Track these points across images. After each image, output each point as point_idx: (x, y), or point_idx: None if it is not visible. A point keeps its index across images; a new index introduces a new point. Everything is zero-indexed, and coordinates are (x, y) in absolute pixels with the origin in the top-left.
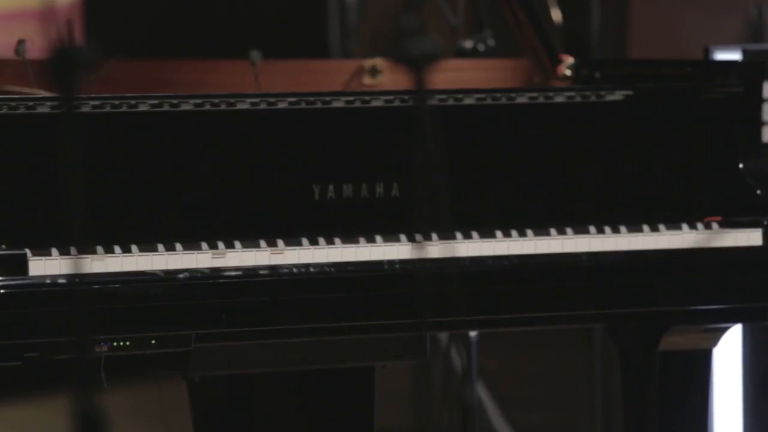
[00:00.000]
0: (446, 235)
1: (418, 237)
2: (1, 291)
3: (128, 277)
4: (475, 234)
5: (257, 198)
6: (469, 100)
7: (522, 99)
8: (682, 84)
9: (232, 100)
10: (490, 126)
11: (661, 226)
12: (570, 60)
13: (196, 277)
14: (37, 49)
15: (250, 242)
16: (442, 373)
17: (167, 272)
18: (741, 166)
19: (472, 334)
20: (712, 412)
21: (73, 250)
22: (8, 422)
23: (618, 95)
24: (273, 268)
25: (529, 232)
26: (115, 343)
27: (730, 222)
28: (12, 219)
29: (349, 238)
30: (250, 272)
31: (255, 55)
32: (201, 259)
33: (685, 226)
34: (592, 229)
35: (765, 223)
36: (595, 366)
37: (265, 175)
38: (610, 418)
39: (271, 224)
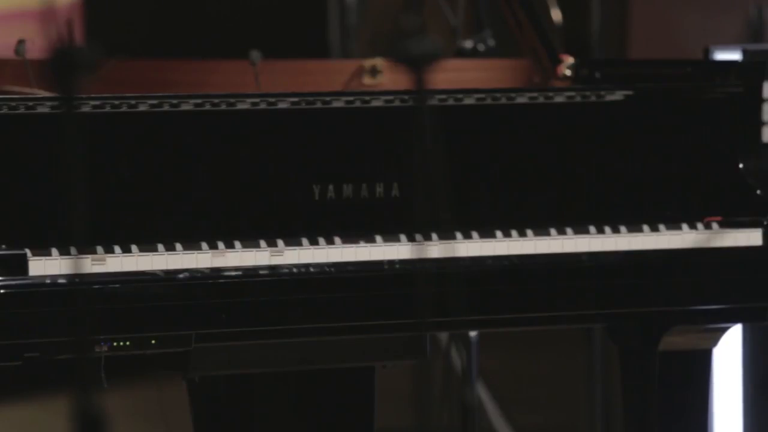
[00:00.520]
0: (446, 235)
1: (418, 237)
2: (1, 291)
3: (128, 277)
4: (475, 234)
5: (257, 198)
6: (469, 100)
7: (522, 99)
8: (682, 84)
9: (232, 100)
10: (490, 126)
11: (661, 226)
12: (570, 60)
13: (196, 277)
14: (37, 49)
15: (250, 242)
16: (442, 373)
17: (167, 272)
18: (741, 166)
19: (472, 334)
20: (712, 412)
21: (73, 250)
22: (8, 422)
23: (618, 95)
24: (273, 268)
25: (529, 232)
26: (115, 343)
27: (730, 222)
28: (12, 219)
29: (349, 238)
30: (250, 272)
31: (255, 55)
32: (201, 259)
33: (685, 226)
34: (592, 229)
35: (765, 223)
36: (595, 366)
37: (265, 175)
38: (610, 418)
39: (271, 224)
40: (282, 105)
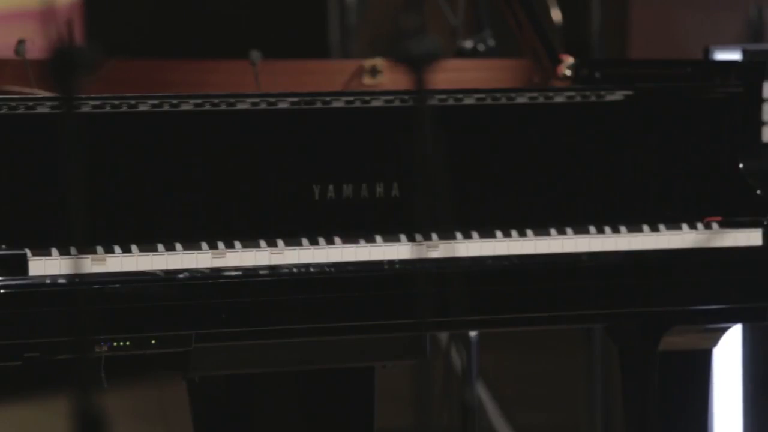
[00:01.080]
0: (446, 235)
1: (418, 237)
2: (1, 291)
3: (128, 277)
4: (475, 234)
5: (257, 198)
6: (469, 100)
7: (522, 99)
8: (682, 84)
9: (232, 100)
10: (490, 126)
11: (661, 226)
12: (570, 60)
13: (196, 277)
14: (37, 49)
15: (250, 242)
16: (442, 373)
17: (167, 272)
18: (741, 166)
19: (472, 334)
20: (712, 412)
21: (73, 250)
22: (8, 422)
23: (618, 95)
24: (273, 268)
25: (529, 232)
26: (115, 343)
27: (730, 222)
28: (12, 219)
29: (349, 238)
30: (250, 272)
31: (255, 55)
32: (201, 259)
33: (685, 226)
34: (592, 229)
35: (765, 223)
36: (595, 366)
37: (265, 175)
38: (610, 418)
39: (271, 224)
40: (282, 105)
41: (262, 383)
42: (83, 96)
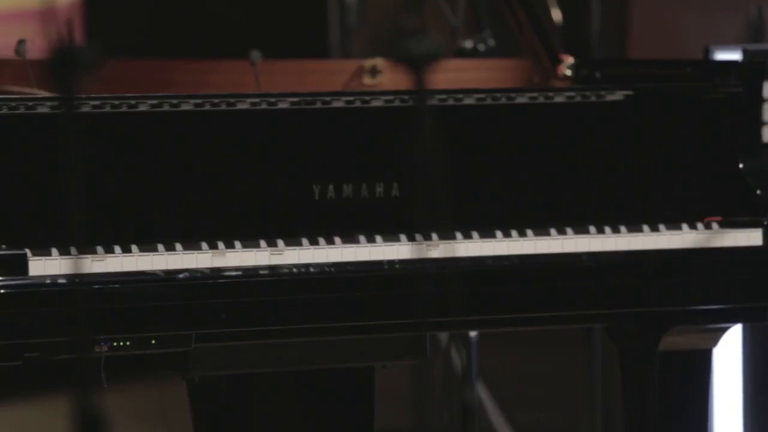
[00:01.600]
0: (446, 235)
1: (418, 237)
2: (1, 291)
3: (128, 277)
4: (475, 234)
5: (257, 198)
6: (469, 100)
7: (522, 99)
8: (682, 84)
9: (232, 100)
10: (490, 126)
11: (661, 226)
12: (570, 60)
13: (196, 277)
14: (37, 49)
15: (250, 242)
16: (442, 373)
17: (167, 272)
18: (741, 166)
19: (472, 334)
20: (712, 412)
21: (73, 250)
22: (8, 422)
23: (618, 95)
24: (273, 268)
25: (529, 232)
26: (115, 343)
27: (730, 222)
28: (12, 219)
29: (349, 238)
30: (250, 272)
31: (255, 55)
32: (201, 259)
33: (685, 226)
34: (592, 229)
35: (765, 223)
36: (595, 366)
37: (265, 175)
38: (610, 418)
39: (271, 224)
40: (282, 105)
41: (262, 383)
42: (83, 96)
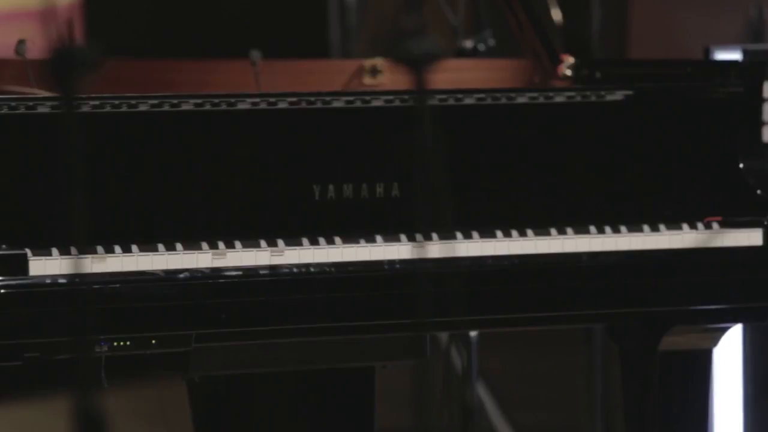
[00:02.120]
0: (446, 235)
1: (418, 237)
2: (1, 291)
3: (128, 277)
4: (475, 234)
5: (257, 198)
6: (469, 100)
7: (522, 99)
8: (682, 84)
9: (232, 100)
10: (490, 126)
11: (662, 226)
12: (570, 60)
13: (196, 277)
14: (37, 49)
15: (250, 242)
16: (442, 373)
17: (167, 272)
18: (741, 166)
19: (472, 334)
20: (712, 412)
21: (73, 250)
22: (8, 422)
23: (618, 95)
24: (273, 268)
25: (529, 232)
26: (115, 343)
27: (730, 222)
28: (12, 219)
29: (350, 238)
30: (250, 272)
31: (255, 55)
32: (201, 259)
33: (685, 226)
34: (592, 229)
35: (765, 223)
36: (595, 366)
37: (265, 175)
38: (610, 418)
39: (271, 224)
40: (282, 105)
41: (262, 383)
42: (83, 96)
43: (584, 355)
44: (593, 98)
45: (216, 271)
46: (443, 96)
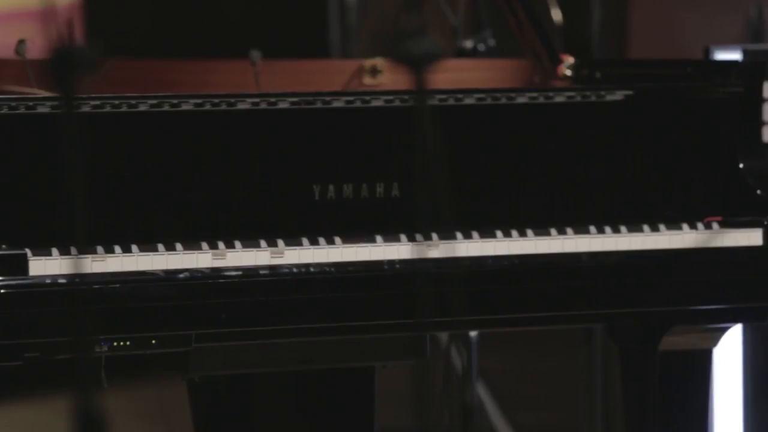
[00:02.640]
0: (446, 235)
1: (419, 237)
2: (1, 291)
3: (128, 277)
4: (475, 234)
5: (257, 198)
6: (469, 100)
7: (522, 99)
8: (682, 84)
9: (232, 100)
10: (490, 126)
11: (662, 226)
12: (570, 60)
13: (196, 277)
14: (37, 49)
15: (250, 242)
16: (442, 373)
17: (167, 272)
18: (741, 166)
19: (472, 334)
20: (712, 412)
21: (73, 250)
22: (8, 422)
23: (618, 95)
24: (273, 268)
25: (529, 232)
26: (115, 343)
27: (730, 222)
28: (12, 219)
29: (350, 238)
30: (250, 272)
31: (255, 55)
32: (201, 259)
33: (685, 226)
34: (592, 229)
35: (765, 223)
36: (595, 366)
37: (265, 175)
38: (610, 418)
39: (271, 224)
40: (282, 105)
41: (262, 383)
42: (83, 96)
43: (584, 355)
44: (593, 98)
45: (216, 271)
46: (443, 96)
